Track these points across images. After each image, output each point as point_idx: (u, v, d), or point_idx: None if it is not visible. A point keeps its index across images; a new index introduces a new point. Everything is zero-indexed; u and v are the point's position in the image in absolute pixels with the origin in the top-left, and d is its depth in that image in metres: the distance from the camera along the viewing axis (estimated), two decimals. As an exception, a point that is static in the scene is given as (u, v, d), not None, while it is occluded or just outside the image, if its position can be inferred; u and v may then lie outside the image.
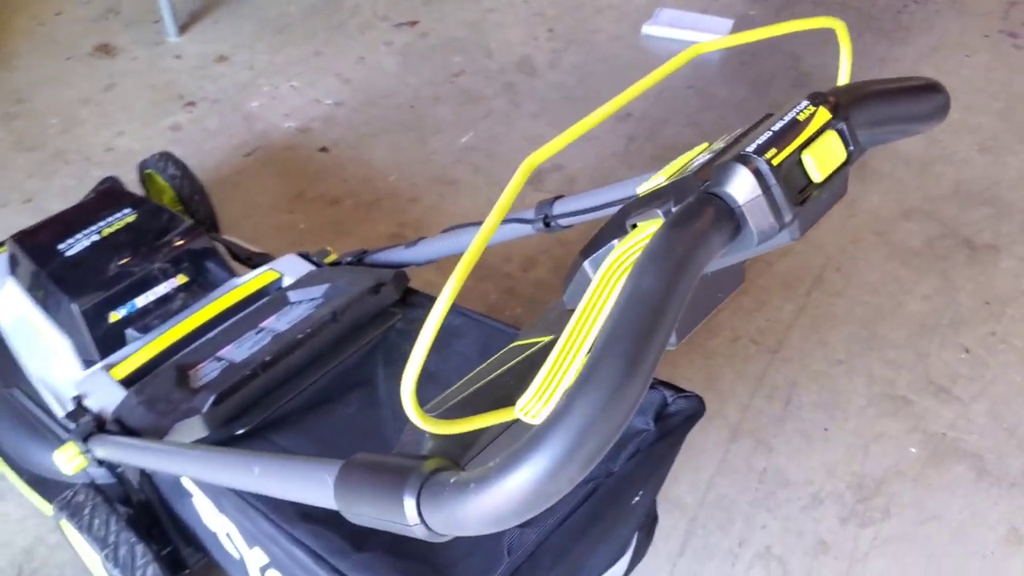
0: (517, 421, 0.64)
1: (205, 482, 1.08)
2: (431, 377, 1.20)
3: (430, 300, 1.33)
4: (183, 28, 2.85)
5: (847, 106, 0.67)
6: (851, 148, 0.66)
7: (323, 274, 1.45)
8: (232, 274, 1.59)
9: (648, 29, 2.79)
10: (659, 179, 0.69)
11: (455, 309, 1.28)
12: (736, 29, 2.78)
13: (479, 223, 1.29)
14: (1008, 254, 2.03)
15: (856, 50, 2.81)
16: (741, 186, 0.60)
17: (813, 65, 2.64)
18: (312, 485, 0.70)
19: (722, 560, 1.52)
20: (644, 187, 0.69)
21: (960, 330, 1.88)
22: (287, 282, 1.51)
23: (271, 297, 1.44)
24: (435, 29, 2.85)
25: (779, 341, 1.87)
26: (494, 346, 1.22)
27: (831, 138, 0.64)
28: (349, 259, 1.52)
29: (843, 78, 0.79)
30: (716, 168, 0.61)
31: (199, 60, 2.75)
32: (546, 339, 0.74)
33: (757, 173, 0.59)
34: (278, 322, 1.36)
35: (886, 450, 1.67)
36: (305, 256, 1.57)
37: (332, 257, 1.57)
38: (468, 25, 2.87)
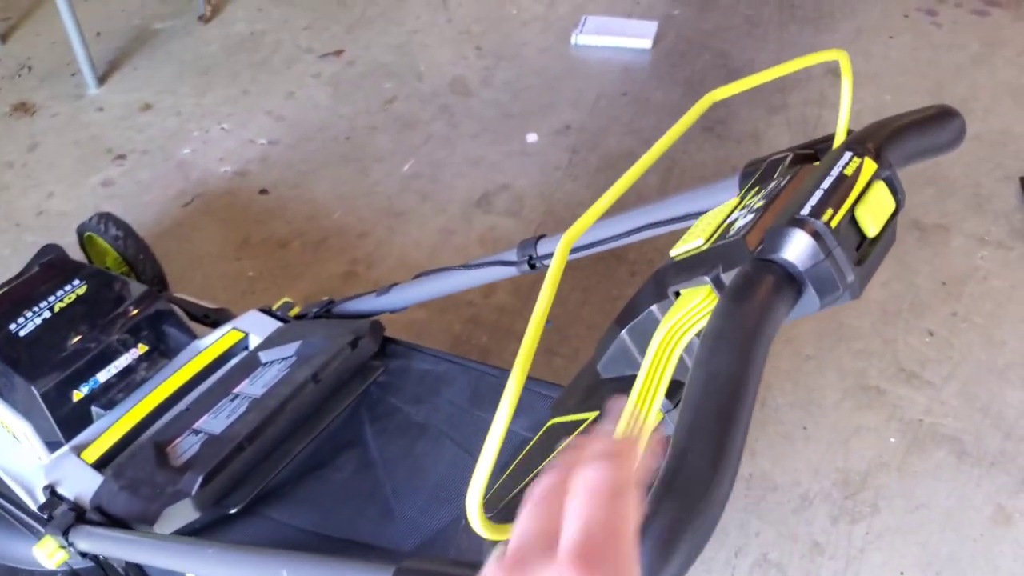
0: None
1: None
2: (423, 431, 1.17)
3: (410, 349, 1.30)
4: (102, 78, 2.75)
5: (889, 148, 0.66)
6: (899, 196, 0.64)
7: (293, 330, 1.41)
8: (193, 336, 1.53)
9: (576, 39, 2.79)
10: (696, 241, 0.66)
11: (439, 356, 1.25)
12: (661, 30, 2.80)
13: (452, 267, 1.26)
14: (957, 232, 2.07)
15: (782, 40, 2.83)
16: (802, 251, 0.57)
17: (742, 61, 2.67)
18: None
19: (720, 572, 1.52)
20: (679, 250, 0.66)
21: (922, 313, 1.91)
22: (253, 341, 1.46)
23: (240, 360, 1.39)
24: (362, 56, 2.81)
25: (748, 343, 1.87)
26: (484, 391, 1.20)
27: (880, 190, 0.62)
28: (316, 310, 1.47)
29: (844, 112, 0.77)
30: (770, 233, 0.58)
31: (123, 110, 2.66)
32: (590, 415, 0.72)
33: (817, 237, 0.57)
34: (252, 386, 1.31)
35: (867, 442, 1.68)
36: (268, 311, 1.52)
37: (296, 310, 1.53)
38: (395, 49, 2.83)
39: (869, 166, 0.63)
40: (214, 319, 1.63)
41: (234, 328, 1.49)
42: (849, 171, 0.62)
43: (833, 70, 2.58)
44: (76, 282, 1.57)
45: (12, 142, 2.57)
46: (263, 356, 1.37)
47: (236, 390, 1.32)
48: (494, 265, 1.12)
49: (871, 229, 0.61)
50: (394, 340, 1.32)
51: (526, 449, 0.75)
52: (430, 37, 2.89)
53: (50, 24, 2.95)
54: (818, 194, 0.60)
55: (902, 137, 0.69)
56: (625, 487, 0.41)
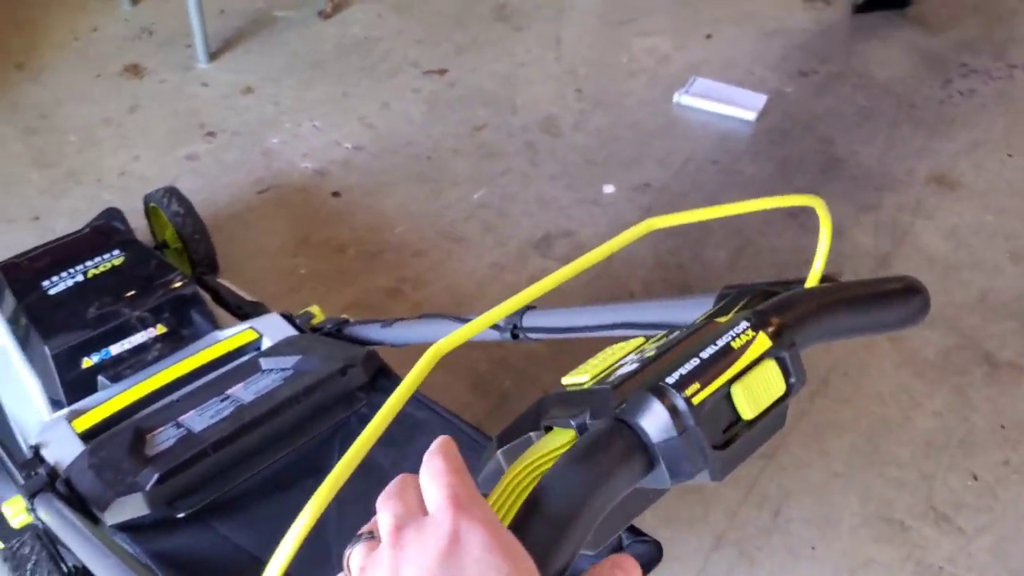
0: None
1: None
2: (385, 477, 1.14)
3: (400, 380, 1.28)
4: (214, 55, 2.84)
5: (796, 327, 0.59)
6: (792, 380, 0.57)
7: (298, 343, 1.40)
8: (214, 327, 1.55)
9: (680, 98, 2.74)
10: (583, 376, 0.61)
11: (422, 402, 1.22)
12: (769, 104, 2.72)
13: (459, 317, 1.23)
14: (1029, 375, 1.94)
15: (892, 138, 2.71)
16: (654, 423, 0.52)
17: (846, 151, 2.57)
18: None
19: None
20: (569, 380, 0.62)
21: (971, 453, 1.78)
22: (266, 343, 1.46)
23: (242, 363, 1.39)
24: (464, 79, 2.82)
25: (776, 447, 1.78)
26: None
27: (768, 369, 0.56)
28: (330, 327, 1.47)
29: (818, 262, 0.71)
30: (631, 394, 0.54)
31: (226, 89, 2.73)
32: None
33: (673, 411, 0.51)
34: (244, 391, 1.31)
35: (876, 578, 1.58)
36: (288, 318, 1.52)
37: (316, 321, 1.52)
38: (498, 78, 2.83)
39: (762, 342, 0.56)
40: (247, 312, 1.64)
41: (251, 328, 1.50)
42: (737, 344, 0.55)
43: (937, 179, 2.46)
44: (115, 252, 1.60)
45: (116, 101, 2.67)
46: (263, 363, 1.37)
47: (229, 391, 1.32)
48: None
49: (747, 412, 0.55)
50: (388, 373, 1.30)
51: None
52: (535, 72, 2.88)
53: (182, -4, 3.07)
54: (692, 363, 0.54)
55: (826, 313, 0.62)
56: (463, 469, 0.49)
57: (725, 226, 2.28)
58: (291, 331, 1.48)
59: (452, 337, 0.55)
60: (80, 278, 1.55)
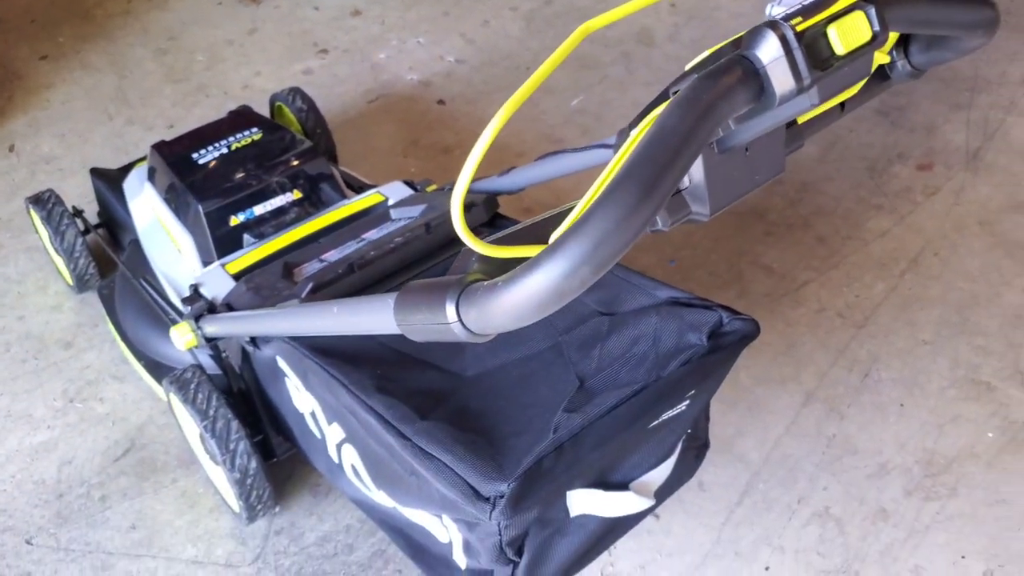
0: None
1: (297, 335, 1.18)
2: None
3: (515, 223, 1.41)
4: (324, -19, 3.00)
5: (888, 3, 0.71)
6: (876, 29, 0.70)
7: (423, 196, 1.55)
8: (344, 196, 1.71)
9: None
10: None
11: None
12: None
13: (569, 149, 1.36)
14: (1121, 256, 1.97)
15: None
16: (766, 48, 0.66)
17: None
18: (377, 311, 0.79)
19: (779, 514, 1.56)
20: (692, 63, 0.75)
21: (1058, 325, 1.84)
22: (392, 204, 1.61)
23: (375, 214, 1.55)
24: (561, -2, 2.93)
25: (866, 317, 1.87)
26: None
27: (858, 18, 0.69)
28: (449, 187, 1.61)
29: None
30: (747, 33, 0.67)
31: (336, 12, 2.90)
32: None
33: (782, 37, 0.65)
34: (378, 234, 1.46)
35: (962, 431, 1.66)
36: (409, 184, 1.67)
37: (434, 187, 1.67)
38: (594, -4, 2.93)
39: None
40: (367, 190, 1.80)
41: (377, 192, 1.65)
42: None
43: (1032, 78, 2.47)
44: (254, 129, 1.77)
45: (236, 24, 2.86)
46: (394, 213, 1.52)
47: (365, 235, 1.48)
48: (597, 148, 1.21)
49: (839, 47, 0.67)
50: (505, 217, 1.44)
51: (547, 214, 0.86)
52: (629, -11, 2.96)
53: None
54: (797, 6, 0.67)
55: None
56: None
57: (817, 124, 2.35)
58: (414, 193, 1.63)
59: (603, 17, 0.68)
60: (224, 151, 1.73)
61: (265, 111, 2.23)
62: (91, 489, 1.66)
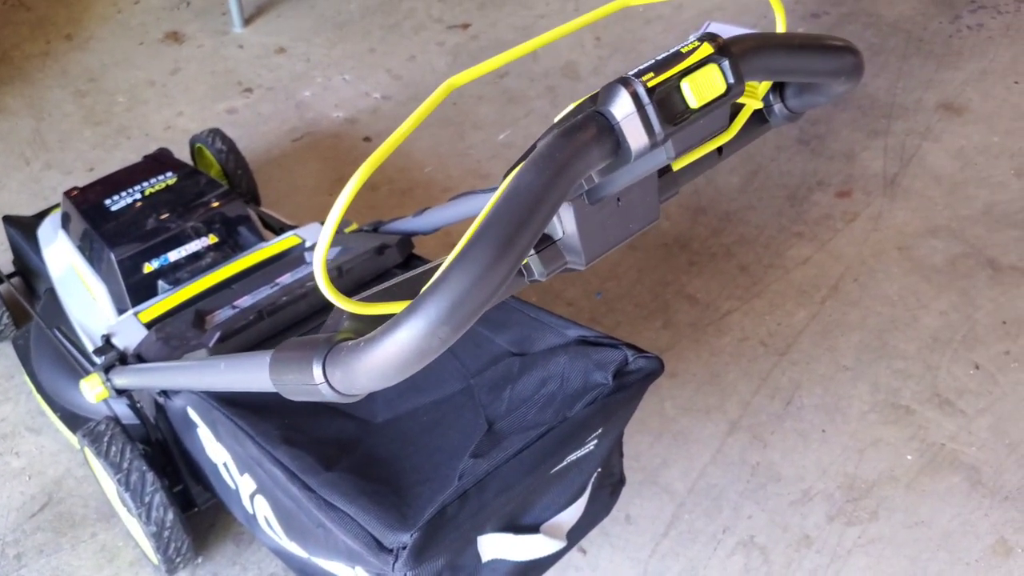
0: None
1: (193, 390, 1.16)
2: None
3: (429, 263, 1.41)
4: (248, 20, 2.99)
5: (739, 51, 0.72)
6: (731, 81, 0.71)
7: (340, 238, 1.54)
8: (261, 239, 1.69)
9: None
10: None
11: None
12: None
13: (485, 190, 1.36)
14: (1031, 276, 2.03)
15: (901, 71, 2.79)
16: (619, 104, 0.66)
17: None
18: (255, 368, 0.78)
19: (705, 544, 1.56)
20: (559, 116, 0.75)
21: (973, 347, 1.88)
22: (308, 246, 1.60)
23: (289, 257, 1.53)
24: (486, 32, 2.95)
25: (788, 344, 1.90)
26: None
27: (711, 71, 0.70)
28: (367, 227, 1.60)
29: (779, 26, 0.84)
30: (603, 89, 0.68)
31: (259, 50, 2.88)
32: None
33: (633, 94, 0.66)
34: (292, 278, 1.45)
35: (882, 455, 1.69)
36: (327, 225, 1.66)
37: (353, 227, 1.66)
38: (519, 30, 2.96)
39: (705, 49, 0.70)
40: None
41: (294, 234, 1.64)
42: (685, 50, 0.70)
43: (944, 106, 2.54)
44: (169, 173, 1.75)
45: (159, 64, 2.83)
46: (308, 256, 1.51)
47: (279, 279, 1.46)
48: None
49: (692, 101, 0.69)
50: (420, 257, 1.43)
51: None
52: (555, 22, 3.00)
53: (215, -32, 3.21)
54: (649, 63, 0.68)
55: (764, 46, 0.75)
56: None
57: (737, 153, 2.39)
58: (331, 235, 1.62)
59: (469, 72, 0.68)
60: (138, 196, 1.70)
61: (187, 152, 2.21)
62: (5, 547, 1.61)
